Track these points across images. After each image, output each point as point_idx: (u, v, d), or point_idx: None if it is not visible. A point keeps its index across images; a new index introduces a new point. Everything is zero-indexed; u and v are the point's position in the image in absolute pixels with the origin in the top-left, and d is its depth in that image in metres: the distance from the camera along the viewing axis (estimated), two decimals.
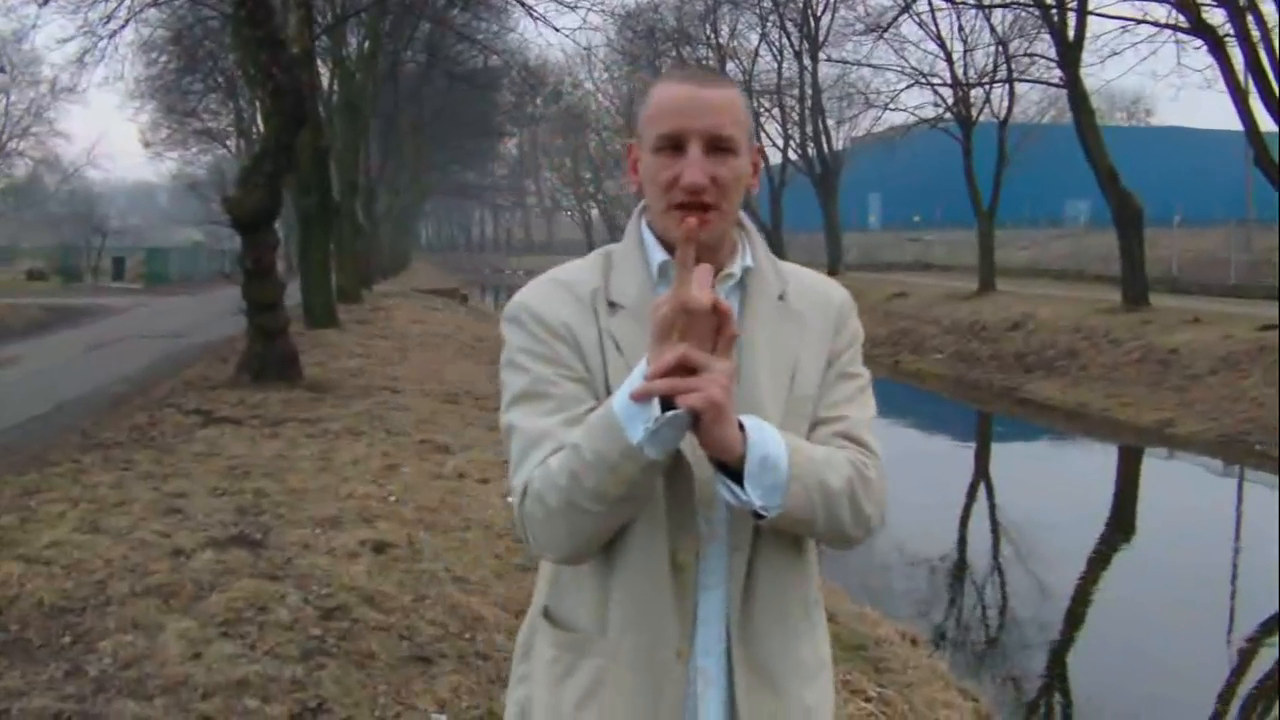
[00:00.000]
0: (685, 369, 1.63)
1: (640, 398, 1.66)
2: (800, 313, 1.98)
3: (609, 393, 1.82)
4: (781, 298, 1.98)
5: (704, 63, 49.24)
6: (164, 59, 35.36)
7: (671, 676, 1.89)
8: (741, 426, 1.73)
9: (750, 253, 1.98)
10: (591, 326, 1.91)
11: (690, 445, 1.76)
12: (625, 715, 1.90)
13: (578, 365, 1.89)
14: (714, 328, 1.66)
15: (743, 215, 1.98)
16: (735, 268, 1.94)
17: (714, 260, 1.85)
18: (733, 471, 1.75)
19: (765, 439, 1.76)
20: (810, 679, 2.01)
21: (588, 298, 1.93)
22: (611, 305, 1.92)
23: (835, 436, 1.93)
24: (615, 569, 1.90)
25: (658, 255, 1.94)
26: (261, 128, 22.96)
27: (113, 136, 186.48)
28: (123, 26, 26.08)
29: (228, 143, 51.22)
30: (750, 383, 1.88)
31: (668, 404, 1.65)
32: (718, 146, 1.85)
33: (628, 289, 1.92)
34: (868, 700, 5.18)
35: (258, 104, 25.97)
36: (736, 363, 1.71)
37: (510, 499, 1.91)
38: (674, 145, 1.86)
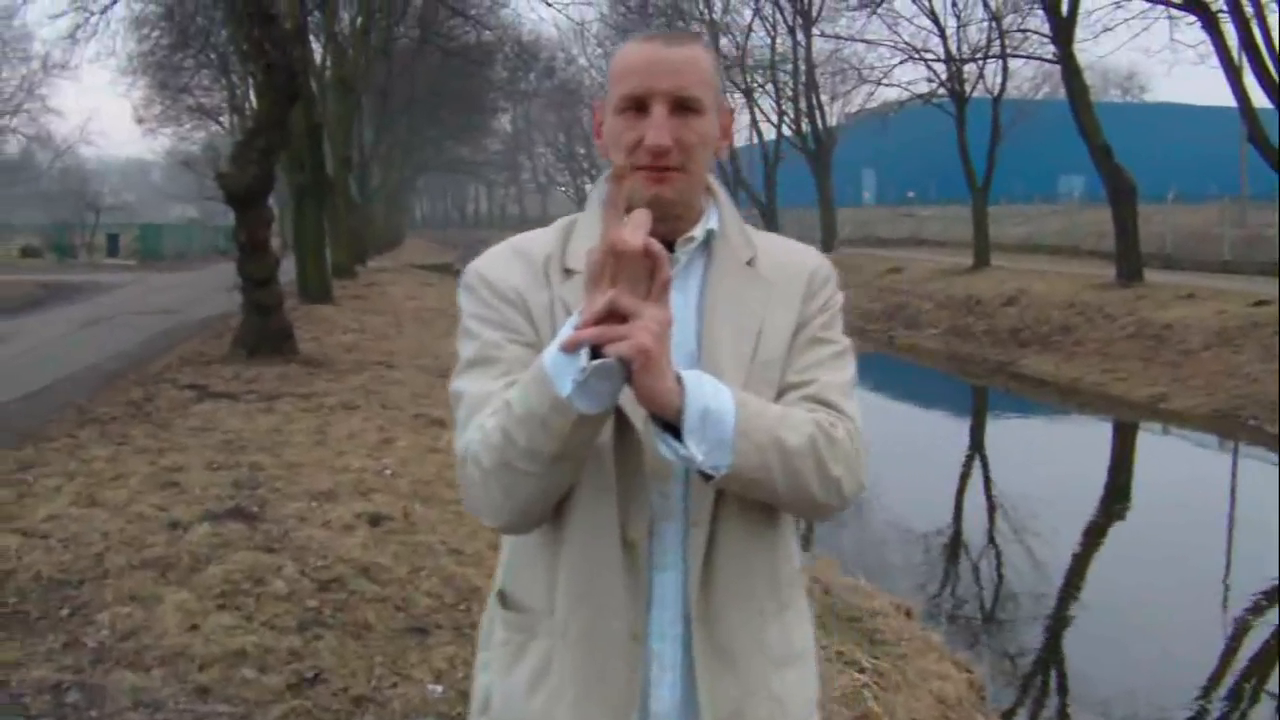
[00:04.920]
0: (616, 316, 1.52)
1: (569, 348, 1.55)
2: (769, 279, 1.89)
3: None
4: (750, 263, 1.89)
5: None
6: (156, 35, 35.19)
7: (622, 657, 1.80)
8: (681, 380, 1.61)
9: (718, 217, 1.91)
10: (543, 292, 1.83)
11: (641, 414, 1.68)
12: (575, 697, 1.81)
13: (527, 330, 1.82)
14: (648, 272, 1.53)
15: (713, 180, 1.92)
16: (698, 231, 1.86)
17: (679, 224, 1.83)
18: (677, 430, 1.63)
19: (705, 391, 1.64)
20: (779, 666, 1.89)
21: (541, 264, 1.86)
22: (567, 271, 1.84)
23: (804, 400, 1.82)
24: (563, 545, 1.82)
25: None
26: (254, 104, 22.90)
27: (105, 113, 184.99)
28: (114, 2, 25.82)
29: (221, 119, 51.03)
30: (711, 346, 1.81)
31: (600, 354, 1.54)
32: (683, 107, 1.77)
33: (583, 254, 1.69)
34: (861, 671, 5.20)
35: (250, 80, 25.89)
36: (672, 312, 1.57)
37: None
38: (638, 106, 1.78)
